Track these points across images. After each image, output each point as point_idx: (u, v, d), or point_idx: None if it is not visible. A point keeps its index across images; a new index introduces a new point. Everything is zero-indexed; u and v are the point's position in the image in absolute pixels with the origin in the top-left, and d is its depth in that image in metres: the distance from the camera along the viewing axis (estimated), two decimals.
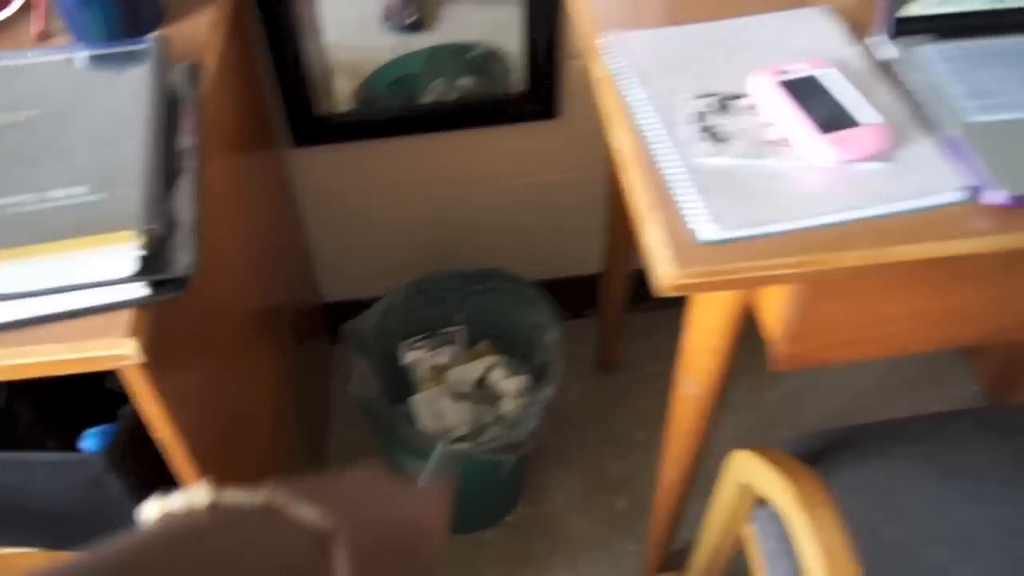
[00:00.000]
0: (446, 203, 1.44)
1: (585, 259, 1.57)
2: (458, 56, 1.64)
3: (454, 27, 1.69)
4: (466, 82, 1.56)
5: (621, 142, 0.78)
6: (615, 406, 1.57)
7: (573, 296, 1.60)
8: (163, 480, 0.86)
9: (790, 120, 0.75)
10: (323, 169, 1.37)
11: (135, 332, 0.67)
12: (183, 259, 0.69)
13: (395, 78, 1.64)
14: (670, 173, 0.73)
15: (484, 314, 1.38)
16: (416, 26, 1.66)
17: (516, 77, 1.31)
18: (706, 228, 0.68)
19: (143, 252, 0.67)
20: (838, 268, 0.68)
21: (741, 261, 0.68)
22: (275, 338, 1.19)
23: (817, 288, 0.73)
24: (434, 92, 1.55)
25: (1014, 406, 1.25)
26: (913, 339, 0.80)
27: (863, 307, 0.76)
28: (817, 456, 0.94)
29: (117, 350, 0.68)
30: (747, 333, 0.84)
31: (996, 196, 0.70)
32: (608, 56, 0.84)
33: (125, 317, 0.68)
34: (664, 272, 0.68)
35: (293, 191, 1.40)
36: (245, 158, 1.11)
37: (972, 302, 0.78)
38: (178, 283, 0.69)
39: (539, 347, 1.30)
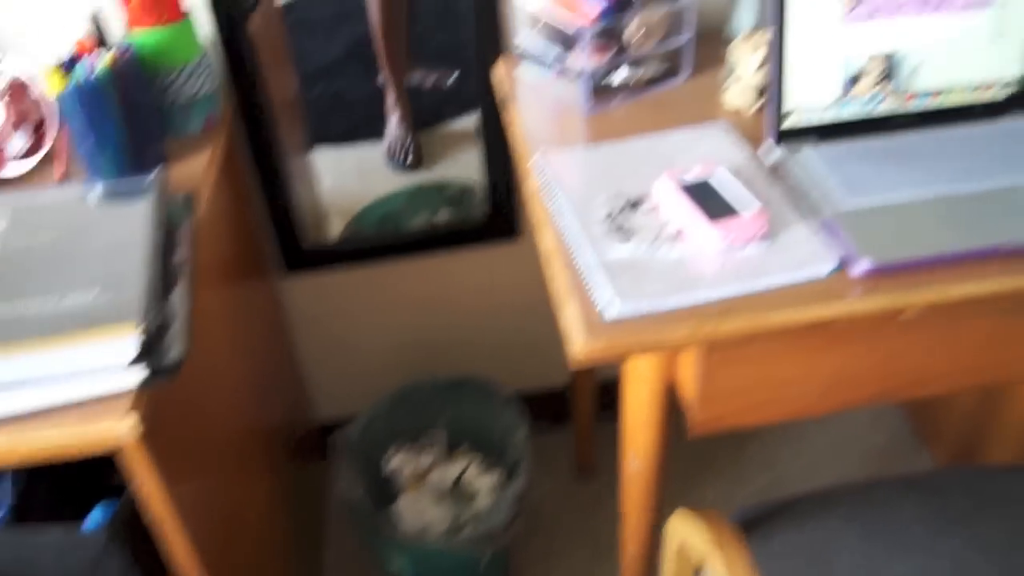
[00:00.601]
0: (427, 320, 1.59)
1: (559, 370, 1.69)
2: (438, 193, 1.83)
3: (444, 164, 1.89)
4: (445, 215, 1.73)
5: (546, 242, 0.92)
6: (595, 509, 1.66)
7: (550, 405, 1.72)
8: (163, 567, 0.96)
9: (685, 214, 0.89)
10: (312, 294, 1.53)
11: (133, 412, 0.80)
12: (175, 349, 0.83)
13: (381, 215, 1.82)
14: (584, 265, 0.87)
15: (461, 420, 1.50)
16: (415, 164, 1.87)
17: (484, 204, 1.48)
18: (611, 307, 0.82)
19: (141, 341, 0.80)
20: (725, 335, 0.81)
21: (641, 333, 0.80)
22: (267, 452, 1.31)
23: (718, 356, 0.85)
24: (417, 226, 1.73)
25: (943, 469, 1.34)
26: (812, 401, 0.92)
27: (762, 372, 0.88)
28: (760, 521, 1.03)
29: (116, 430, 0.80)
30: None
31: (861, 265, 0.83)
32: (537, 173, 1.00)
33: (125, 401, 0.81)
34: (577, 346, 0.81)
35: (284, 314, 1.55)
36: (237, 281, 1.26)
37: (856, 364, 0.90)
38: (172, 369, 0.82)
39: (511, 447, 1.41)
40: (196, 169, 1.13)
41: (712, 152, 1.01)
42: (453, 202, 1.77)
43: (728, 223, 0.87)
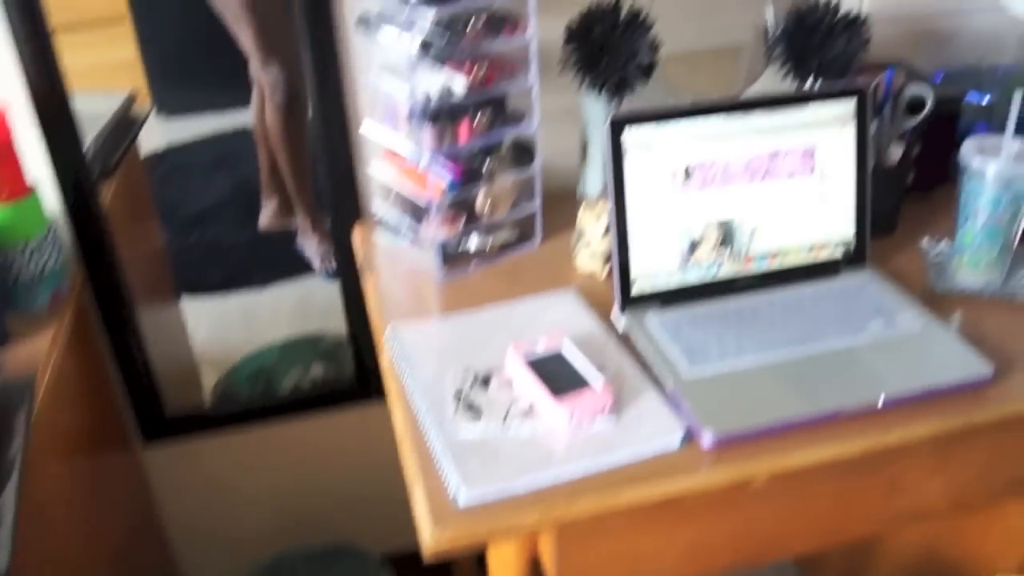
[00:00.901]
0: (299, 484, 1.53)
1: None
2: (311, 347, 1.80)
3: (319, 315, 1.87)
4: (318, 370, 1.70)
5: (397, 421, 0.91)
6: None
7: (431, 568, 1.66)
8: None
9: (533, 390, 0.89)
10: (177, 462, 1.46)
11: None
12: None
13: (254, 370, 1.77)
14: (434, 447, 0.85)
15: None
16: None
17: (352, 365, 1.45)
18: (461, 494, 0.80)
19: None
20: (575, 516, 0.80)
21: (490, 520, 0.78)
22: None
23: (572, 534, 0.84)
24: (290, 381, 1.69)
25: None
26: (671, 571, 0.91)
27: (619, 547, 0.87)
28: None
29: None
30: None
31: (705, 437, 0.84)
32: (390, 346, 0.99)
33: None
34: (425, 536, 0.78)
35: (148, 485, 1.47)
36: (89, 458, 1.19)
37: (711, 533, 0.89)
38: None
39: None
40: (40, 347, 1.09)
41: (563, 320, 1.02)
42: (327, 356, 1.75)
43: (573, 399, 0.87)
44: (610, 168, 0.97)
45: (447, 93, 1.02)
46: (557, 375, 0.90)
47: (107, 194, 1.29)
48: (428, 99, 1.01)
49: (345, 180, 1.24)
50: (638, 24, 1.09)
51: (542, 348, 0.94)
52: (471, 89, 1.02)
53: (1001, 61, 1.34)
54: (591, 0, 1.09)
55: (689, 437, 0.85)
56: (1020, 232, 1.04)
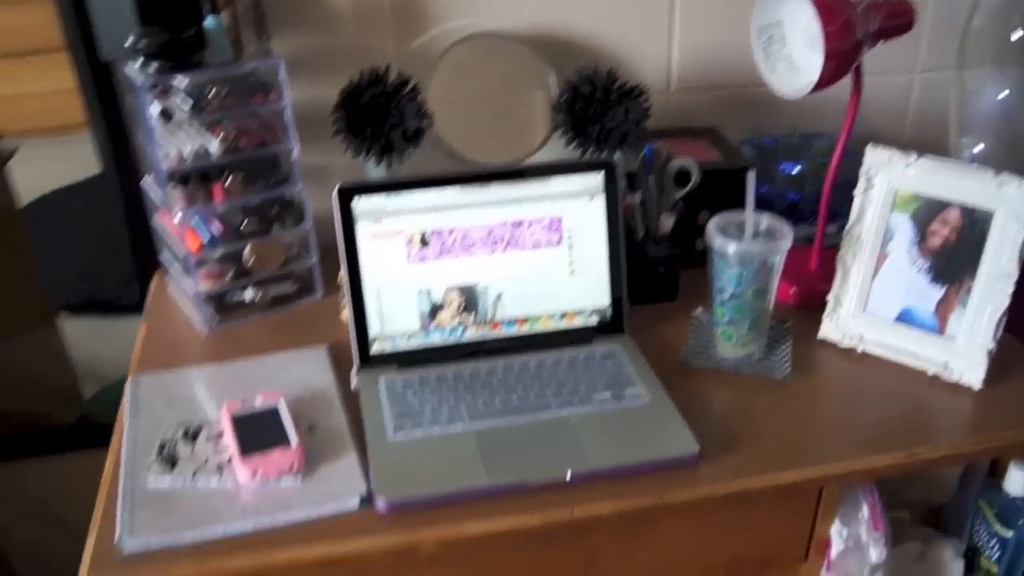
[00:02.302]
0: None
1: None
2: None
3: None
4: None
5: (106, 468, 0.93)
6: None
7: None
8: None
9: (231, 445, 0.91)
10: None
11: None
12: None
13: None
14: (121, 494, 0.88)
15: None
16: None
17: None
18: (125, 541, 0.82)
19: None
20: (231, 572, 0.82)
21: (147, 570, 0.80)
22: None
23: None
24: None
25: None
26: None
27: None
28: None
29: None
30: None
31: (379, 502, 0.86)
32: (127, 394, 1.02)
33: None
34: None
35: None
36: None
37: None
38: None
39: None
40: None
41: (305, 376, 1.04)
42: None
43: (259, 457, 0.89)
44: (340, 235, 1.00)
45: (203, 154, 1.05)
46: (259, 432, 0.93)
47: None
48: (182, 159, 1.05)
49: (137, 230, 1.28)
50: (406, 91, 1.12)
51: (259, 404, 0.96)
52: (228, 152, 1.06)
53: (816, 129, 1.36)
54: (365, 67, 1.13)
55: (369, 500, 0.87)
56: (771, 308, 1.05)
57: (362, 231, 1.00)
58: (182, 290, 1.17)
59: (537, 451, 0.91)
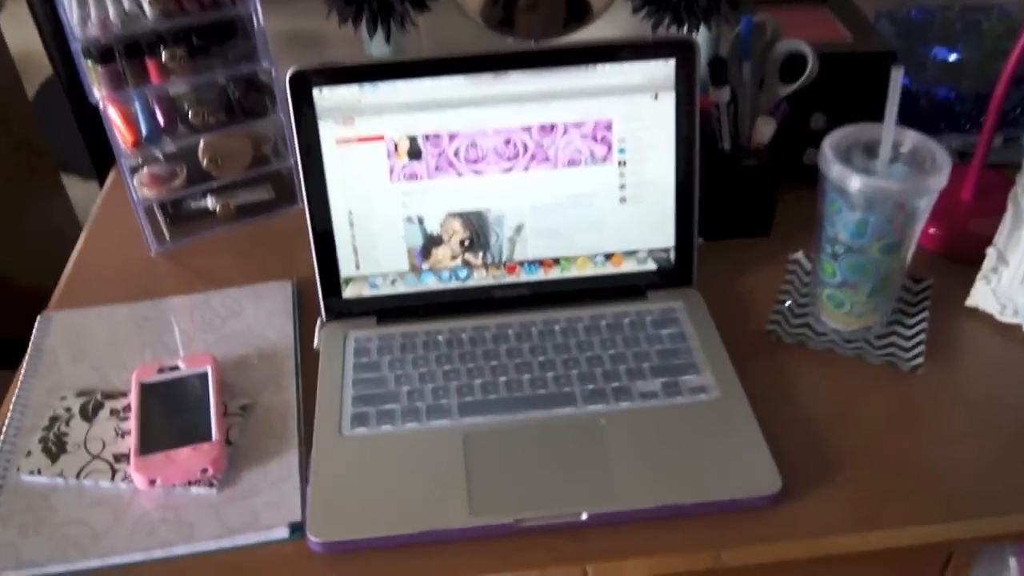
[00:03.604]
0: None
1: None
2: None
3: None
4: None
5: None
6: None
7: None
8: None
9: (132, 432, 0.65)
10: None
11: None
12: None
13: None
14: None
15: None
16: None
17: None
18: None
19: None
20: None
21: None
22: None
23: None
24: None
25: None
26: None
27: None
28: None
29: None
30: None
31: (311, 540, 0.59)
32: (34, 336, 0.76)
33: None
34: None
35: None
36: None
37: None
38: None
39: None
40: None
41: (254, 324, 0.76)
42: None
43: (158, 461, 0.62)
44: (293, 140, 0.69)
45: (133, 18, 0.74)
46: (173, 414, 0.66)
47: None
48: (105, 26, 0.74)
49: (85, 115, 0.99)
50: None
51: (182, 368, 0.69)
52: (167, 15, 0.75)
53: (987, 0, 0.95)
54: None
55: (297, 533, 0.60)
56: (906, 268, 0.70)
57: (327, 134, 0.69)
58: None
59: (545, 473, 0.62)
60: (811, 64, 0.75)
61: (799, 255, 0.81)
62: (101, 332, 0.76)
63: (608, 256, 0.75)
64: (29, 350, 0.75)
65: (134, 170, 0.84)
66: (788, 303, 0.77)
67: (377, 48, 0.84)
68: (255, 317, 0.77)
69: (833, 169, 0.66)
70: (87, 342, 0.75)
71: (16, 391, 0.71)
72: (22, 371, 0.73)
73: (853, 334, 0.73)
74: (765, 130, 0.78)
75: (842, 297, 0.72)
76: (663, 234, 0.75)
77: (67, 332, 0.76)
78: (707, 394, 0.66)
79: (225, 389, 0.69)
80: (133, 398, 0.67)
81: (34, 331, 0.77)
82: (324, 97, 0.68)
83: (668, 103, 0.71)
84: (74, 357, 0.74)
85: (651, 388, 0.67)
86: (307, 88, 0.67)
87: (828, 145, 0.67)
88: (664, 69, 0.70)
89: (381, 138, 0.70)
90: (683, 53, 0.69)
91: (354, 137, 0.69)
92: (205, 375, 0.69)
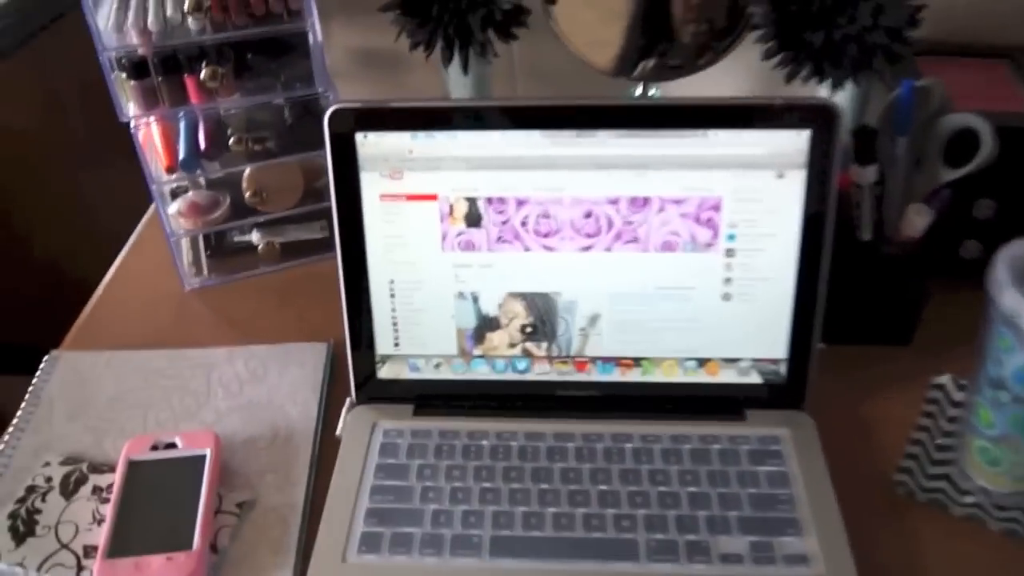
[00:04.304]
0: None
1: None
2: None
3: None
4: None
5: None
6: None
7: None
8: None
9: (106, 524, 0.54)
10: None
11: None
12: None
13: None
14: None
15: None
16: None
17: None
18: None
19: None
20: None
21: None
22: None
23: None
24: None
25: None
26: None
27: None
28: None
29: None
30: None
31: None
32: (36, 380, 0.66)
33: None
34: None
35: None
36: None
37: None
38: None
39: None
40: None
41: (276, 394, 0.64)
42: None
43: (121, 569, 0.51)
44: (332, 190, 0.56)
45: (175, 29, 0.64)
46: (158, 506, 0.55)
47: None
48: (143, 37, 0.63)
49: None
50: None
51: (180, 447, 0.58)
52: (214, 27, 0.64)
53: None
54: None
55: None
56: None
57: (369, 188, 0.56)
58: None
59: None
60: (987, 145, 0.58)
61: (946, 379, 0.63)
62: (107, 384, 0.66)
63: (702, 362, 0.60)
64: (27, 396, 0.65)
65: (175, 194, 0.74)
66: (922, 444, 0.59)
67: (455, 78, 0.70)
68: (278, 385, 0.65)
69: (1006, 297, 0.49)
70: (90, 393, 0.65)
71: (1, 447, 0.61)
72: (15, 419, 0.63)
73: (1008, 499, 0.56)
74: (918, 221, 0.61)
75: (999, 454, 0.54)
76: (773, 342, 0.59)
77: (71, 379, 0.66)
78: (808, 567, 0.51)
79: (225, 478, 0.58)
80: (118, 478, 0.56)
81: (38, 372, 0.67)
82: (369, 143, 0.55)
83: (796, 183, 0.55)
84: (71, 413, 0.63)
85: (736, 549, 0.51)
86: (349, 131, 0.54)
87: (1003, 262, 0.50)
88: (795, 141, 0.54)
89: (434, 198, 0.56)
90: (822, 122, 0.53)
91: (402, 194, 0.56)
92: (203, 460, 0.57)
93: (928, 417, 0.61)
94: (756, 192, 0.55)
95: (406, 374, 0.61)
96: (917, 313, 0.66)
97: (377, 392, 0.61)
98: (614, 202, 0.56)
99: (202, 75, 0.65)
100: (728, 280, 0.57)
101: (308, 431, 0.61)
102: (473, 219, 0.57)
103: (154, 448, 0.58)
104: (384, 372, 0.61)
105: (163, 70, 0.65)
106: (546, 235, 0.57)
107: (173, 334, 0.70)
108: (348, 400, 0.62)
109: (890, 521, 0.55)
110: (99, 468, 0.59)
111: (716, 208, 0.56)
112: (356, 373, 0.61)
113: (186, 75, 0.65)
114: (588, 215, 0.56)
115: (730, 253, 0.57)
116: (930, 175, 0.61)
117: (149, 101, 0.66)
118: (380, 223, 0.57)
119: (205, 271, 0.76)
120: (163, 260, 0.75)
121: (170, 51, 0.65)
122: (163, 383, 0.65)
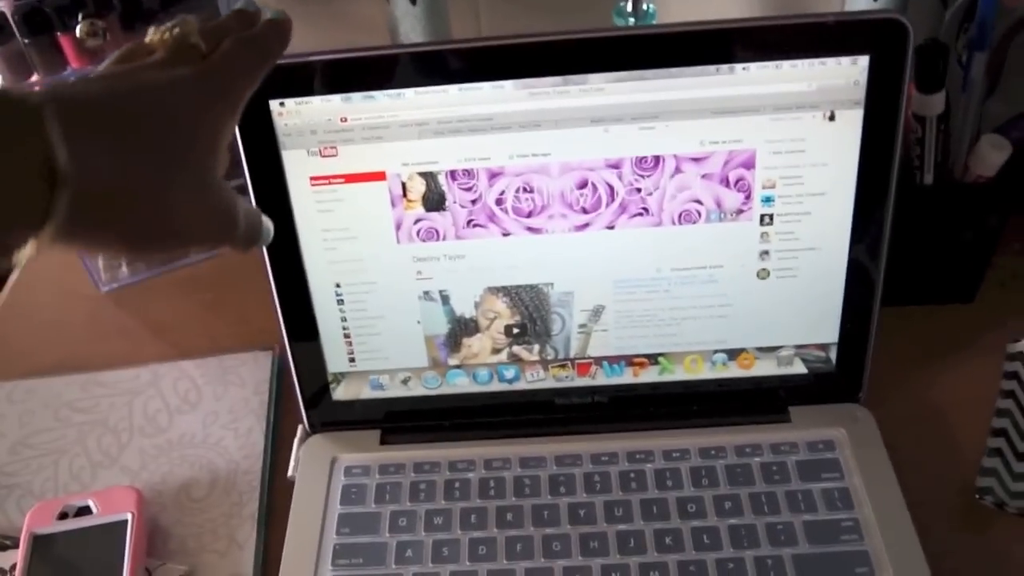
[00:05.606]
0: None
1: None
2: None
3: None
4: None
5: None
6: None
7: None
8: None
9: None
10: None
11: None
12: None
13: None
14: None
15: None
16: None
17: None
18: None
19: None
20: None
21: None
22: None
23: None
24: None
25: None
26: None
27: None
28: None
29: None
30: None
31: None
32: None
33: None
34: None
35: None
36: None
37: None
38: None
39: None
40: None
41: (212, 423, 0.51)
42: None
43: None
44: (248, 177, 0.42)
45: None
46: None
47: None
48: None
49: None
50: None
51: (95, 513, 0.45)
52: None
53: None
54: None
55: None
56: None
57: (295, 170, 0.41)
58: None
59: None
60: None
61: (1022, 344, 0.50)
62: (9, 425, 0.52)
63: (733, 354, 0.47)
64: None
65: None
66: (999, 428, 0.47)
67: (402, 14, 0.55)
68: (215, 412, 0.51)
69: None
70: None
71: None
72: None
73: None
74: (994, 156, 0.47)
75: None
76: (821, 324, 0.46)
77: None
78: None
79: (153, 545, 0.45)
80: (20, 559, 0.43)
81: None
82: (288, 112, 0.40)
83: (851, 127, 0.41)
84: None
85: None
86: (260, 98, 0.39)
87: None
88: (850, 71, 0.39)
89: (382, 176, 0.42)
90: (888, 44, 0.39)
91: (339, 175, 0.42)
92: (123, 527, 0.44)
93: (1008, 397, 0.49)
94: (799, 141, 0.41)
95: (367, 393, 0.48)
96: (984, 266, 0.53)
97: (334, 416, 0.48)
98: (615, 166, 0.41)
99: (78, 31, 0.49)
100: (765, 254, 0.44)
101: (254, 471, 0.48)
102: (434, 200, 0.42)
103: (63, 516, 0.45)
104: (340, 393, 0.48)
105: (28, 30, 0.49)
106: (529, 214, 0.43)
107: (87, 349, 0.56)
108: (300, 429, 0.48)
109: (973, 537, 0.43)
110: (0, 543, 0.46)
111: (748, 165, 0.42)
112: (305, 398, 0.47)
113: (59, 33, 0.50)
114: (583, 185, 0.42)
115: (766, 220, 0.43)
116: (1009, 99, 0.47)
117: (19, 69, 0.50)
118: (314, 214, 0.43)
119: (123, 267, 0.61)
120: (70, 258, 0.61)
121: (34, 4, 0.49)
122: (77, 419, 0.52)
